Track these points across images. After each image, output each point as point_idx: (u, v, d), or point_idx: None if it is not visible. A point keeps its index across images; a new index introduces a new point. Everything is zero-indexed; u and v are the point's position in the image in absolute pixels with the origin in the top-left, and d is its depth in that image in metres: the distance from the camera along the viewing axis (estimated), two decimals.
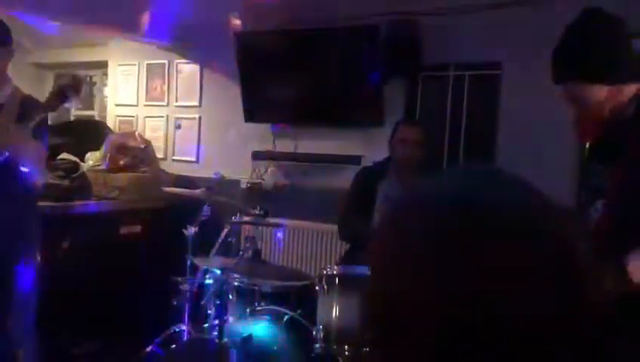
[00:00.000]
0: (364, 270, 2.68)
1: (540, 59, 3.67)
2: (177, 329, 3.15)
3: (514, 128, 3.70)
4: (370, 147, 4.06)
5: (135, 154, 4.58)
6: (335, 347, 2.59)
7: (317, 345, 2.63)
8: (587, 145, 1.92)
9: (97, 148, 4.61)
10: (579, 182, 3.54)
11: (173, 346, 2.96)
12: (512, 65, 3.72)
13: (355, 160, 4.15)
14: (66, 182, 3.85)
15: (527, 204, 0.61)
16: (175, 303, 3.18)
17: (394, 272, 0.61)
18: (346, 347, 2.55)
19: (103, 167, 4.47)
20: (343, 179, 3.80)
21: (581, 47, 1.72)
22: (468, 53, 3.85)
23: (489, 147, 3.80)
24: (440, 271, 0.57)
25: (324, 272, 2.75)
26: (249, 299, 2.97)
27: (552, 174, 3.37)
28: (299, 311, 2.97)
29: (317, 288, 2.75)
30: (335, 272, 2.71)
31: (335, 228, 3.59)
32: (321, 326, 2.64)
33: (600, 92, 1.70)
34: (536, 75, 3.62)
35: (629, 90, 1.71)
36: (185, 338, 3.11)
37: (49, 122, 2.93)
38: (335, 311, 2.63)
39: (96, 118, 5.75)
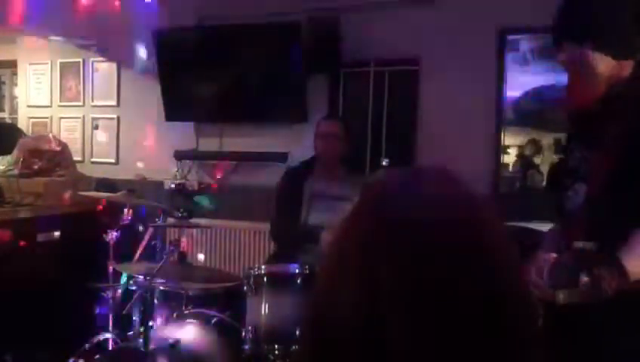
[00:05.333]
0: (292, 268, 2.68)
1: (456, 53, 3.82)
2: (101, 339, 3.04)
3: (433, 121, 3.82)
4: (296, 143, 4.06)
5: (50, 158, 4.39)
6: (265, 346, 2.58)
7: (247, 346, 2.61)
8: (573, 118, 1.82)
9: (8, 152, 4.39)
10: (495, 170, 3.70)
11: (98, 356, 2.86)
12: (429, 61, 3.83)
13: (280, 157, 4.14)
14: None
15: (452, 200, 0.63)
16: (98, 311, 3.07)
17: (328, 275, 0.64)
18: (276, 346, 2.54)
19: (16, 172, 4.26)
20: (269, 177, 3.79)
21: (603, 14, 1.58)
22: (387, 49, 3.91)
23: (410, 140, 3.90)
24: (365, 272, 0.58)
25: (252, 272, 2.73)
26: (176, 303, 2.91)
27: (470, 163, 3.50)
28: (227, 313, 2.94)
29: (245, 288, 2.73)
30: (263, 272, 2.70)
31: (262, 226, 3.58)
32: (250, 327, 2.63)
33: (607, 65, 1.58)
34: (452, 69, 3.78)
35: (628, 65, 1.60)
36: (110, 347, 3.01)
37: None
38: (264, 311, 2.62)
39: (7, 121, 5.47)
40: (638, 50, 1.59)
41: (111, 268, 3.09)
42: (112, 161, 4.87)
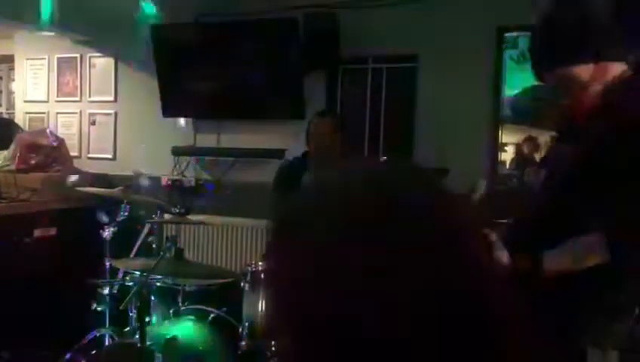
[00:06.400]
0: None
1: (454, 51, 3.82)
2: (98, 334, 3.04)
3: (431, 118, 3.82)
4: (293, 140, 4.05)
5: (47, 153, 4.38)
6: (262, 343, 2.58)
7: (243, 342, 2.62)
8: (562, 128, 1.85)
9: (5, 148, 4.38)
10: (492, 167, 3.70)
11: (94, 352, 2.86)
12: (428, 57, 3.83)
13: (277, 153, 4.14)
14: None
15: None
16: (95, 307, 3.07)
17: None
18: (273, 342, 2.55)
19: (13, 167, 4.25)
20: (266, 173, 3.78)
21: (568, 33, 1.61)
22: (385, 45, 3.91)
23: (408, 136, 3.90)
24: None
25: (249, 268, 2.73)
26: (172, 299, 2.91)
27: (468, 159, 3.51)
28: (224, 309, 2.95)
29: (242, 285, 2.73)
30: (260, 268, 2.70)
31: (259, 222, 3.57)
32: (247, 323, 2.63)
33: (589, 71, 1.59)
34: (450, 66, 3.78)
35: (611, 66, 1.60)
36: (106, 343, 3.01)
37: None
38: (261, 307, 2.63)
39: (4, 116, 5.46)
40: (614, 48, 1.60)
41: (108, 264, 3.09)
42: (109, 156, 4.86)
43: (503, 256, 1.55)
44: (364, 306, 0.55)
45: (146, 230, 3.21)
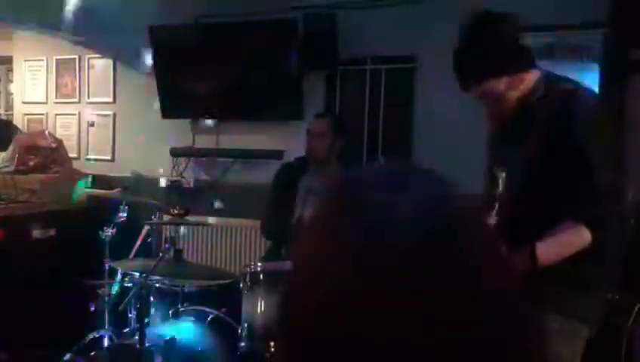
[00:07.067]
0: (288, 266, 2.68)
1: (452, 52, 3.81)
2: (97, 336, 3.04)
3: (429, 118, 3.82)
4: (291, 141, 4.05)
5: (46, 155, 4.39)
6: (261, 344, 2.58)
7: (242, 343, 2.61)
8: (497, 132, 2.07)
9: (4, 149, 4.38)
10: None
11: (93, 353, 2.86)
12: (426, 59, 3.83)
13: (276, 154, 4.14)
14: None
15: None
16: (94, 308, 3.07)
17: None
18: (272, 343, 2.54)
19: (11, 168, 4.25)
20: (265, 174, 3.78)
21: (473, 50, 1.89)
22: (384, 47, 3.92)
23: (406, 138, 3.90)
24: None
25: (248, 269, 2.73)
26: (171, 300, 2.91)
27: (467, 161, 3.50)
28: (223, 310, 2.94)
29: (241, 286, 2.73)
30: (259, 269, 2.70)
31: (258, 223, 3.57)
32: (246, 324, 2.62)
33: (506, 82, 1.85)
34: (448, 67, 3.78)
35: (532, 76, 1.87)
36: (105, 344, 3.00)
37: None
38: (260, 308, 2.62)
39: (2, 117, 5.45)
40: (519, 60, 1.88)
41: (107, 266, 3.09)
42: (108, 157, 4.86)
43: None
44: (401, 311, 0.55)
45: (145, 231, 3.21)
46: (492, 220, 1.68)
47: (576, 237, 1.72)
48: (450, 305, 0.55)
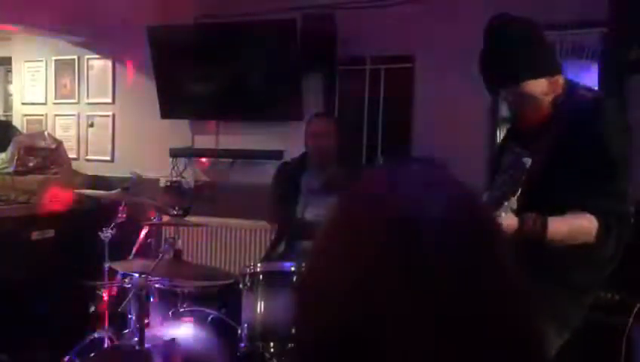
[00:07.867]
0: (288, 266, 2.68)
1: (451, 52, 3.82)
2: (97, 337, 3.04)
3: (429, 118, 3.82)
4: (291, 141, 4.05)
5: (45, 155, 4.39)
6: (261, 344, 2.57)
7: (242, 344, 2.61)
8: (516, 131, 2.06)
9: (3, 150, 4.38)
10: (491, 167, 3.70)
11: (93, 354, 2.85)
12: (425, 58, 3.82)
13: (276, 154, 4.14)
14: None
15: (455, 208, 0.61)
16: (93, 310, 3.06)
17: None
18: (272, 344, 2.54)
19: (10, 169, 4.25)
20: (265, 175, 3.78)
21: (517, 50, 1.85)
22: (383, 47, 3.91)
23: (405, 137, 3.90)
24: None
25: (248, 270, 2.73)
26: (171, 301, 2.91)
27: (466, 161, 3.50)
28: (223, 311, 2.94)
29: (241, 286, 2.72)
30: (258, 269, 2.69)
31: (258, 224, 3.58)
32: (246, 325, 2.62)
33: (543, 86, 1.85)
34: (447, 67, 3.78)
35: (561, 80, 1.89)
36: (105, 345, 3.00)
37: None
38: (260, 309, 2.62)
39: (1, 118, 5.45)
40: (557, 63, 1.90)
41: (106, 266, 3.08)
42: (107, 158, 4.86)
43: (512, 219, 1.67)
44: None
45: (144, 232, 3.20)
46: (513, 205, 1.68)
47: (586, 222, 1.75)
48: (484, 301, 0.56)
